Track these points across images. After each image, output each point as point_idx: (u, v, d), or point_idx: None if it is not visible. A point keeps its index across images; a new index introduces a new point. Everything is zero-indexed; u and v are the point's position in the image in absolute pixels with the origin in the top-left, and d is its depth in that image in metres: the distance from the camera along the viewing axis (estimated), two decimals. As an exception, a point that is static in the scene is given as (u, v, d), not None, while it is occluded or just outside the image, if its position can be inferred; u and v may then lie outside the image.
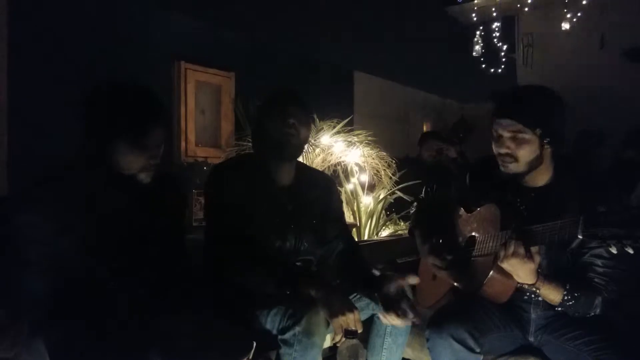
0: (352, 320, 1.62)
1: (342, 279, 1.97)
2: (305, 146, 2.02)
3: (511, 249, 1.55)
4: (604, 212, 1.40)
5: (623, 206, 1.48)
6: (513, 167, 1.73)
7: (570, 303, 1.63)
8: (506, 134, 1.71)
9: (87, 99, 1.60)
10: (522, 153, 1.70)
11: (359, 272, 1.93)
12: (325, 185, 2.13)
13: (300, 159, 2.83)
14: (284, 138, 1.87)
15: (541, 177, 1.77)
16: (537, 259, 1.57)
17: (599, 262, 1.65)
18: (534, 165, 1.72)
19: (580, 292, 1.63)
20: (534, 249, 1.56)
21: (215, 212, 1.90)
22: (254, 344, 1.63)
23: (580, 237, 1.43)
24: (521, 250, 1.54)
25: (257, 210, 1.86)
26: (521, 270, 1.58)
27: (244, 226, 1.82)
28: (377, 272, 1.90)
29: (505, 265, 1.59)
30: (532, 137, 1.68)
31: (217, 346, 1.57)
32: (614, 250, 1.37)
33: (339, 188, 3.16)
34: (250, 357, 1.60)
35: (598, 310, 1.64)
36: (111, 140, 1.57)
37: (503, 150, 1.73)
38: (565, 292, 1.62)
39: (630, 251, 1.34)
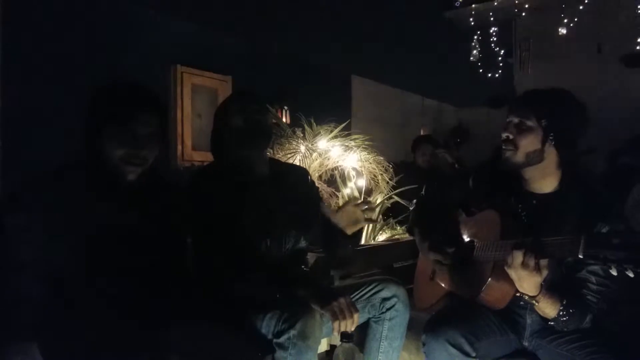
0: (344, 305, 1.65)
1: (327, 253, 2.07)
2: (272, 137, 2.04)
3: (520, 259, 1.52)
4: (606, 233, 1.38)
5: (626, 228, 1.46)
6: (511, 155, 1.72)
7: (564, 319, 1.61)
8: (514, 120, 1.73)
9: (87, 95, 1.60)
10: (523, 142, 1.69)
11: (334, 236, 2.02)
12: (301, 174, 2.17)
13: (297, 162, 2.84)
14: (246, 131, 1.90)
15: (546, 184, 1.76)
16: (545, 272, 1.54)
17: (593, 279, 1.64)
18: (533, 159, 1.70)
19: (574, 308, 1.61)
20: (543, 262, 1.53)
21: (200, 219, 1.86)
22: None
23: (580, 256, 1.40)
24: (532, 262, 1.51)
25: (238, 210, 1.85)
26: (526, 282, 1.56)
27: (229, 230, 1.81)
28: None
29: (513, 274, 1.56)
30: (536, 127, 1.68)
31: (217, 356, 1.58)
32: (614, 273, 1.35)
33: (335, 191, 3.17)
34: None
35: (587, 326, 1.63)
36: (100, 128, 1.57)
37: (505, 135, 1.73)
38: (561, 308, 1.60)
39: (631, 275, 1.32)
